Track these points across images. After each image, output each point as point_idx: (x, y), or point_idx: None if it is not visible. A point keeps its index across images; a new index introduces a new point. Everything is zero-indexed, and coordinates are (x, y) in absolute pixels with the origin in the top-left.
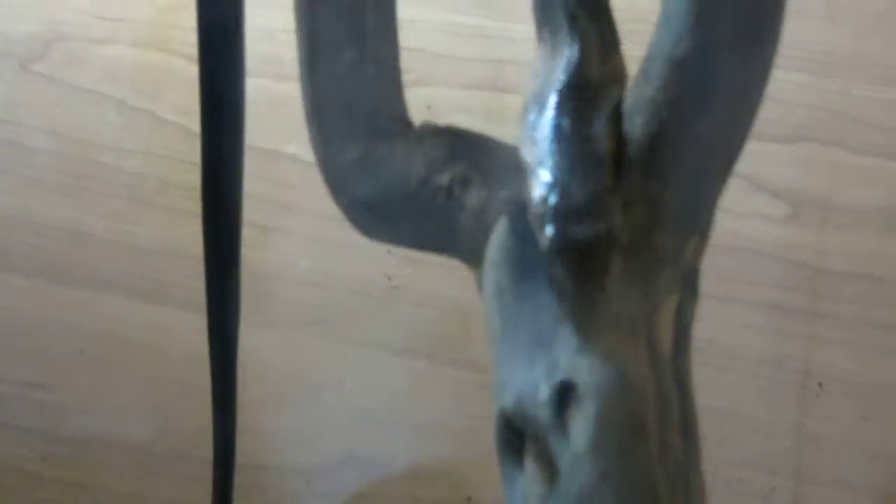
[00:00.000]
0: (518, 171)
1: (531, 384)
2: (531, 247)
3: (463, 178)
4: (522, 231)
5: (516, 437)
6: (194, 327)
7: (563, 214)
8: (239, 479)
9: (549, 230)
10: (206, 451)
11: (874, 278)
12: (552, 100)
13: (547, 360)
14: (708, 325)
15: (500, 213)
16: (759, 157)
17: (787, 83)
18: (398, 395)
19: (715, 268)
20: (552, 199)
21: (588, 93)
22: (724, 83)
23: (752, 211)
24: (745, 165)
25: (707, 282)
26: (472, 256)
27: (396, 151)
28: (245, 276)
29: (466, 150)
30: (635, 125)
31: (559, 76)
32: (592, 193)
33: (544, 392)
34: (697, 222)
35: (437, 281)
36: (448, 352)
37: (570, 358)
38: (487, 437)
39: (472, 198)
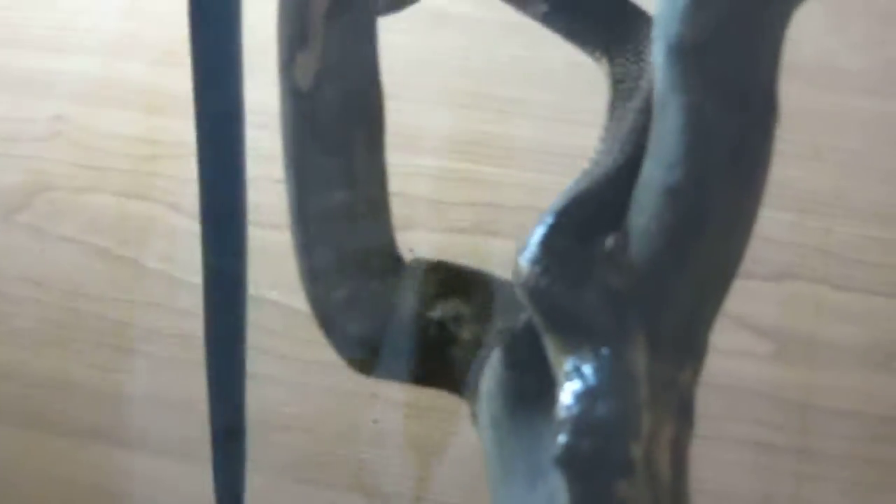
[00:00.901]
0: (510, 305)
1: None
2: (526, 378)
3: (456, 313)
4: (516, 363)
5: None
6: (186, 477)
7: (580, 429)
8: None
9: (560, 438)
10: None
11: (862, 415)
12: None
13: (545, 492)
14: (696, 464)
15: (493, 345)
16: (743, 295)
17: (771, 221)
18: None
19: (702, 406)
20: (574, 411)
21: None
22: (717, 211)
23: (737, 349)
24: (730, 303)
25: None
26: (466, 390)
27: (388, 287)
28: None
29: (458, 285)
30: (629, 254)
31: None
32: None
33: None
34: (692, 350)
35: (421, 423)
36: (436, 495)
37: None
38: None
39: (465, 332)
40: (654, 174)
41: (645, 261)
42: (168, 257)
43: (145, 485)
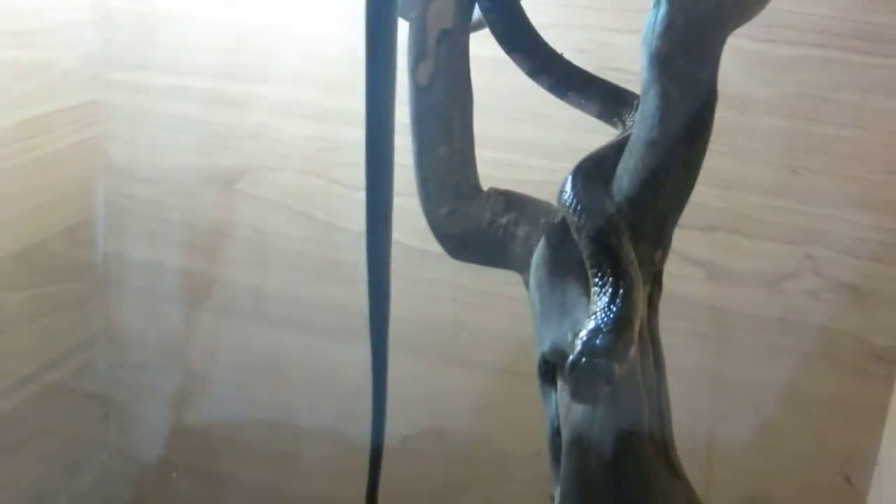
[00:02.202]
0: (548, 214)
1: (561, 336)
2: (561, 254)
3: (515, 220)
4: (553, 245)
5: (551, 369)
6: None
7: (588, 350)
8: None
9: (571, 360)
10: None
11: (762, 317)
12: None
13: (571, 321)
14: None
15: (538, 236)
16: (686, 240)
17: (703, 193)
18: None
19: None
20: (586, 340)
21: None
22: (678, 155)
23: (682, 273)
24: (678, 245)
25: None
26: (521, 267)
27: (472, 206)
28: None
29: (516, 203)
30: (623, 182)
31: (616, 310)
32: (614, 350)
33: (570, 338)
34: (662, 241)
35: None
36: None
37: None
38: None
39: (521, 231)
40: (640, 133)
41: (632, 186)
42: (330, 211)
43: None
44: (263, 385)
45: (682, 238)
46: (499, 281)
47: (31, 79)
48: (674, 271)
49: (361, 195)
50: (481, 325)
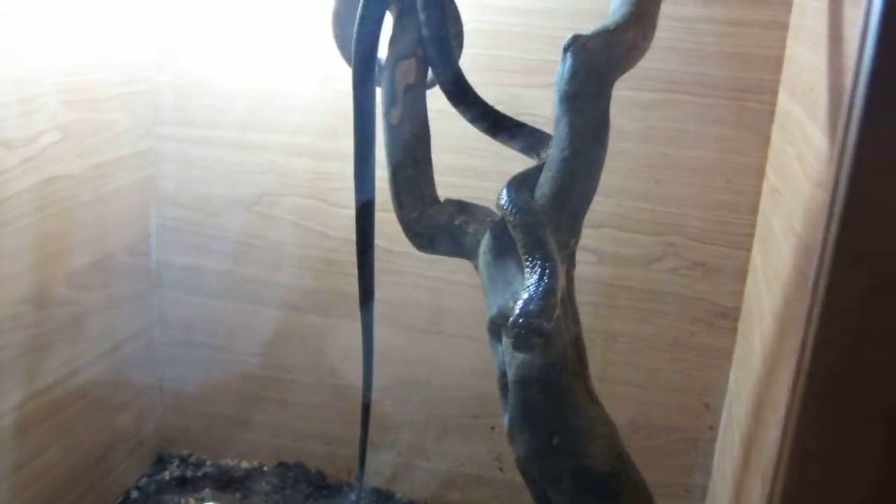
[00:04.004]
0: (489, 214)
1: (505, 303)
2: (502, 243)
3: (465, 220)
4: (497, 236)
5: (497, 328)
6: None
7: (524, 314)
8: None
9: (512, 321)
10: None
11: (635, 289)
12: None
13: (511, 292)
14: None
15: (483, 232)
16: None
17: (601, 203)
18: None
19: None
20: (522, 307)
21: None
22: (583, 167)
23: (582, 259)
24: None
25: None
26: (472, 254)
27: (434, 211)
28: None
29: (466, 208)
30: (545, 189)
31: (544, 284)
32: (543, 312)
33: (510, 303)
34: (574, 232)
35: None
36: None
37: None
38: None
39: (470, 229)
40: (555, 153)
41: (551, 191)
42: (324, 224)
43: None
44: (278, 353)
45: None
46: (451, 270)
47: (100, 134)
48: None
49: (346, 212)
50: (438, 303)
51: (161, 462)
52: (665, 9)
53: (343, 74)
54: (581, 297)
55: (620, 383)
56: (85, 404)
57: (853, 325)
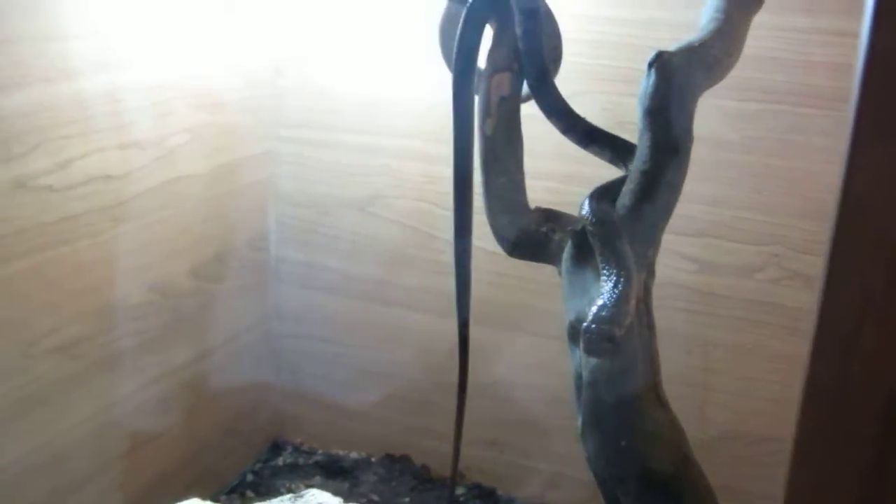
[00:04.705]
0: (574, 223)
1: (582, 309)
2: (582, 252)
3: (552, 228)
4: (578, 244)
5: (574, 332)
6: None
7: (596, 320)
8: None
9: (585, 326)
10: None
11: (735, 298)
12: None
13: (588, 298)
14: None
15: (567, 239)
16: (681, 242)
17: (692, 209)
18: None
19: (662, 293)
20: (595, 313)
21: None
22: (663, 181)
23: (677, 266)
24: (675, 246)
25: None
26: (556, 261)
27: (523, 219)
28: None
29: (553, 216)
30: (625, 200)
31: (617, 291)
32: (614, 319)
33: (586, 309)
34: (653, 241)
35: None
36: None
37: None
38: None
39: (556, 236)
40: (637, 165)
41: (630, 202)
42: (432, 226)
43: None
44: (387, 349)
45: (680, 242)
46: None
47: (225, 136)
48: (672, 265)
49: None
50: (528, 303)
51: (276, 448)
52: (769, 19)
53: (447, 80)
54: (680, 304)
55: (718, 391)
56: (206, 390)
57: (846, 336)
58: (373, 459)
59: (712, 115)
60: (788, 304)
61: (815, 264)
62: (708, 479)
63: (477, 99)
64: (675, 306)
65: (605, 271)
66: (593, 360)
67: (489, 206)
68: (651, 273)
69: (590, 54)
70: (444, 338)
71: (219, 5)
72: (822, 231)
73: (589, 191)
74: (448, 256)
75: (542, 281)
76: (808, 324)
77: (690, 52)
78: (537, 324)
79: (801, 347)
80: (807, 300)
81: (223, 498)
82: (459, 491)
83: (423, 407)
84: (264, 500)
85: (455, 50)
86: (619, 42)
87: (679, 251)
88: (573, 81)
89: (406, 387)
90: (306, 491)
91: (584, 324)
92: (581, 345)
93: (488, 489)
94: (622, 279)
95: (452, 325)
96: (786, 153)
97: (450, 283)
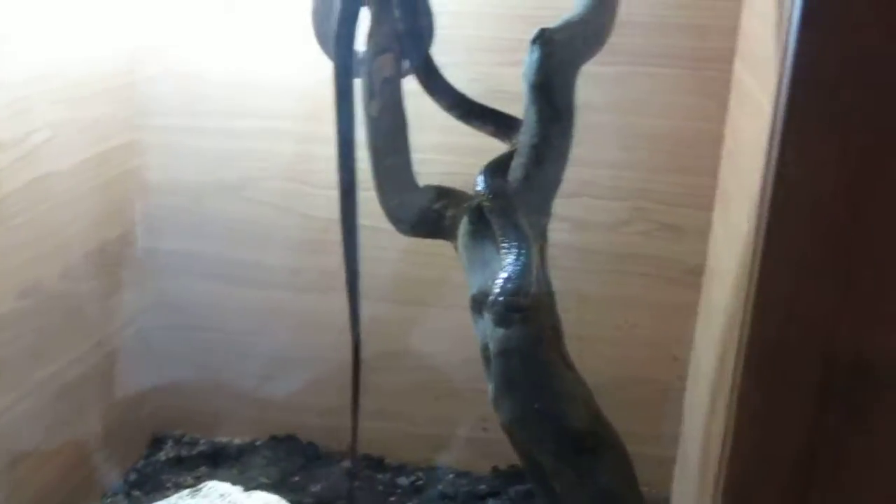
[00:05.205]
0: (466, 199)
1: (484, 282)
2: (479, 226)
3: (445, 205)
4: (474, 220)
5: (478, 305)
6: None
7: (503, 292)
8: None
9: (492, 299)
10: None
11: (601, 252)
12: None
13: (490, 271)
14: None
15: (462, 215)
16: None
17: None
18: None
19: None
20: (501, 286)
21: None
22: (551, 151)
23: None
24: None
25: None
26: (451, 237)
27: (414, 197)
28: None
29: (444, 193)
30: (517, 173)
31: (520, 263)
32: (521, 290)
33: (490, 283)
34: (545, 210)
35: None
36: None
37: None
38: None
39: (449, 213)
40: (525, 139)
41: (523, 175)
42: (308, 205)
43: None
44: (266, 331)
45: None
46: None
47: (87, 129)
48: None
49: (328, 192)
50: (420, 275)
51: (157, 443)
52: None
53: (321, 62)
54: (556, 262)
55: (595, 340)
56: (84, 394)
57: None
58: (258, 443)
59: (579, 80)
60: (655, 253)
61: (680, 215)
62: (616, 430)
63: (358, 82)
64: (552, 265)
65: (504, 244)
66: (500, 331)
67: (380, 188)
68: (545, 240)
69: (458, 25)
70: (322, 316)
71: None
72: (684, 184)
73: (471, 161)
74: (326, 235)
75: (418, 251)
76: (675, 271)
77: (571, 28)
78: (412, 293)
79: (669, 294)
80: (674, 249)
81: (108, 502)
82: (348, 463)
83: (305, 385)
84: (154, 497)
85: (334, 34)
86: (487, 12)
87: (553, 213)
88: (444, 52)
89: (286, 367)
90: (204, 484)
91: (491, 296)
92: (490, 316)
93: (377, 458)
94: (523, 250)
95: (332, 303)
96: (649, 112)
97: (328, 261)
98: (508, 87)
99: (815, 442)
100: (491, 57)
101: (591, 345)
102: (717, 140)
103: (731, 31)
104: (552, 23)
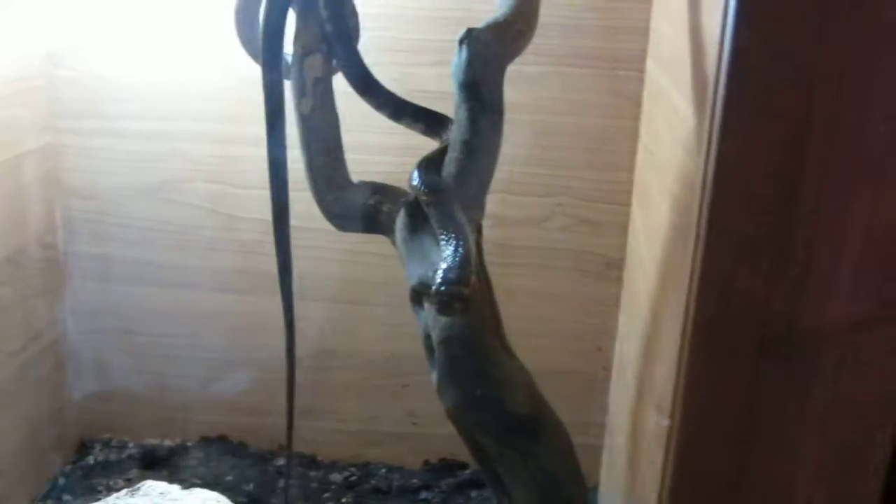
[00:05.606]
0: (401, 194)
1: (424, 273)
2: (416, 220)
3: (379, 200)
4: (411, 213)
5: (418, 296)
6: None
7: (445, 282)
8: None
9: (434, 289)
10: None
11: (529, 248)
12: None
13: (429, 263)
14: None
15: (397, 210)
16: None
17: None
18: None
19: None
20: (443, 276)
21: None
22: (481, 147)
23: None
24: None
25: None
26: (387, 231)
27: (349, 194)
28: None
29: (378, 189)
30: (451, 169)
31: (459, 254)
32: (462, 280)
33: (431, 274)
34: (479, 204)
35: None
36: None
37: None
38: None
39: (384, 208)
40: (457, 135)
41: (456, 170)
42: (231, 206)
43: None
44: (192, 332)
45: None
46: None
47: (2, 132)
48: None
49: (251, 192)
50: (348, 275)
51: (83, 448)
52: None
53: (243, 63)
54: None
55: (521, 334)
56: (6, 399)
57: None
58: (188, 444)
59: None
60: (576, 248)
61: (598, 210)
62: (557, 415)
63: (287, 82)
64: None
65: (443, 236)
66: (443, 320)
67: (315, 185)
68: (480, 233)
69: (378, 27)
70: (250, 316)
71: None
72: (601, 179)
73: (401, 160)
74: (251, 235)
75: (343, 249)
76: (595, 265)
77: (497, 28)
78: (348, 293)
79: (590, 287)
80: (592, 243)
81: None
82: (280, 462)
83: (234, 386)
84: (86, 500)
85: (262, 35)
86: (406, 15)
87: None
88: (365, 54)
89: (214, 368)
90: (142, 483)
91: (434, 287)
92: (434, 306)
93: (309, 456)
94: (461, 241)
95: (259, 304)
96: (566, 111)
97: (256, 262)
98: (428, 87)
99: (754, 399)
100: (409, 57)
101: (517, 338)
102: (632, 137)
103: (642, 32)
104: (471, 24)
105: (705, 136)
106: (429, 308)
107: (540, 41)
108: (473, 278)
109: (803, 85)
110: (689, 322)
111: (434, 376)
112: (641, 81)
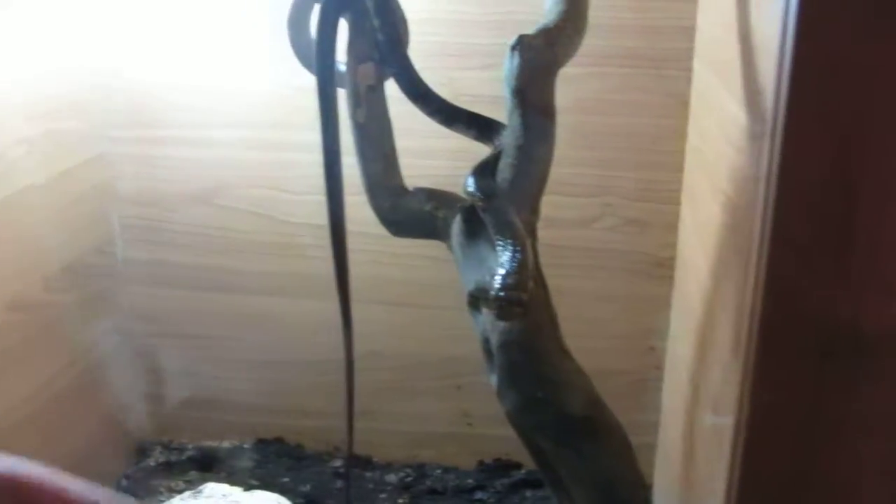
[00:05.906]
0: (457, 200)
1: (482, 278)
2: (472, 225)
3: (435, 206)
4: (467, 219)
5: (476, 301)
6: None
7: (504, 287)
8: None
9: (493, 294)
10: None
11: (577, 248)
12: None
13: (486, 268)
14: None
15: (453, 215)
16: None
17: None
18: None
19: None
20: (501, 282)
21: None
22: (536, 152)
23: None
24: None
25: None
26: (444, 237)
27: (405, 200)
28: None
29: (434, 195)
30: (505, 174)
31: (517, 259)
32: (520, 285)
33: (489, 279)
34: (535, 208)
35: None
36: None
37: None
38: None
39: (440, 214)
40: (511, 141)
41: (511, 176)
42: (283, 212)
43: None
44: (247, 336)
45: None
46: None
47: (60, 143)
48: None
49: (303, 197)
50: (405, 277)
51: (142, 451)
52: None
53: (295, 71)
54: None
55: (571, 336)
56: (71, 404)
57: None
58: (245, 446)
59: None
60: (625, 248)
61: (646, 209)
62: (615, 416)
63: (342, 91)
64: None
65: (500, 242)
66: (502, 324)
67: (371, 193)
68: (535, 237)
69: (423, 32)
70: (303, 319)
71: (41, 7)
72: (648, 179)
73: (456, 164)
74: (303, 239)
75: (395, 253)
76: (645, 265)
77: (548, 34)
78: (400, 295)
79: (640, 286)
80: (641, 242)
81: None
82: (336, 463)
83: (289, 388)
84: (149, 502)
85: (316, 46)
86: (451, 19)
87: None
88: (413, 59)
89: (270, 370)
90: (204, 485)
91: (493, 292)
92: (493, 312)
93: (365, 457)
94: (518, 247)
95: (312, 307)
96: (613, 111)
97: (308, 266)
98: (476, 91)
99: (818, 400)
100: (455, 62)
101: (569, 339)
102: (680, 136)
103: (688, 31)
104: (517, 27)
105: (767, 143)
106: (487, 313)
107: (584, 41)
108: (531, 283)
109: (863, 90)
110: (754, 324)
111: (493, 380)
112: (688, 81)
